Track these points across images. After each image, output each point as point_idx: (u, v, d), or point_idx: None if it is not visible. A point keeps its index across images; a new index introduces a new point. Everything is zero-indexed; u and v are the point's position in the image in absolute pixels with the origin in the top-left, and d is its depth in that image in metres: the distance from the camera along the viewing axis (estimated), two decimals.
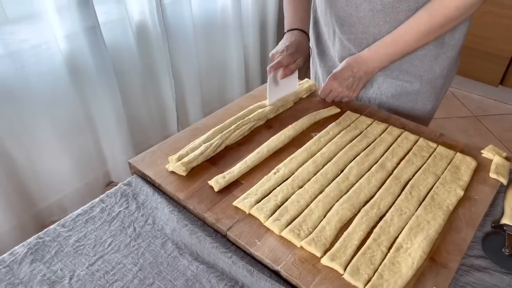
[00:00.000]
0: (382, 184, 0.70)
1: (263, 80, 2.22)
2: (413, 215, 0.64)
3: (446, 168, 0.73)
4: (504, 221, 0.64)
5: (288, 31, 0.96)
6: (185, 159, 0.72)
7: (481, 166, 0.75)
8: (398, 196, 0.68)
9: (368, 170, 0.73)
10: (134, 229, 0.65)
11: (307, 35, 0.97)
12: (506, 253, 0.60)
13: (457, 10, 0.77)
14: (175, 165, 0.71)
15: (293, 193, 0.68)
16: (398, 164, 0.75)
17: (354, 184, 0.70)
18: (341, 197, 0.67)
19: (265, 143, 0.78)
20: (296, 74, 0.93)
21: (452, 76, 0.98)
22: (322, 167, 0.73)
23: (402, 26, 0.83)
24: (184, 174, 0.72)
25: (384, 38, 0.86)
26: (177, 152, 0.74)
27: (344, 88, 0.90)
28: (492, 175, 0.72)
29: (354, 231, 0.61)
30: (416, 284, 0.54)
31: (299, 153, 0.76)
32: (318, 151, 0.78)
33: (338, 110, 0.90)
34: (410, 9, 0.82)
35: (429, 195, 0.68)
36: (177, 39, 1.73)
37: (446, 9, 0.77)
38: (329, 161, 0.75)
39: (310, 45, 1.11)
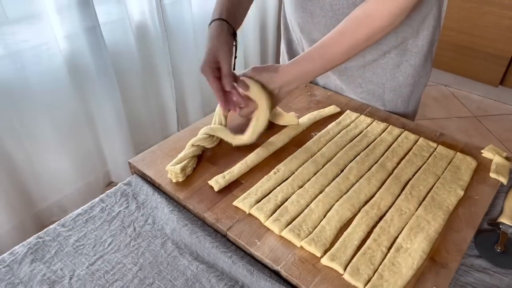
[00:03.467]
0: (382, 184, 0.70)
1: None
2: (413, 215, 0.64)
3: (446, 168, 0.73)
4: (501, 219, 0.64)
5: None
6: (188, 169, 0.72)
7: (481, 166, 0.75)
8: (398, 196, 0.68)
9: (368, 170, 0.73)
10: (134, 228, 0.65)
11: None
12: (498, 250, 0.61)
13: (382, 21, 0.70)
14: (177, 176, 0.70)
15: (293, 193, 0.68)
16: (398, 164, 0.75)
17: (354, 184, 0.70)
18: (341, 197, 0.67)
19: (265, 143, 0.78)
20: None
21: (422, 83, 0.93)
22: (322, 167, 0.73)
23: (327, 40, 0.74)
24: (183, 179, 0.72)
25: (306, 52, 0.76)
26: (176, 158, 0.72)
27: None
28: (492, 175, 0.72)
29: (354, 231, 0.61)
30: (416, 284, 0.54)
31: (299, 153, 0.76)
32: (318, 150, 0.77)
33: (338, 109, 0.90)
34: None
35: (429, 195, 0.68)
36: (177, 39, 1.74)
37: (372, 20, 0.70)
38: (329, 160, 0.75)
39: (281, 50, 1.09)
